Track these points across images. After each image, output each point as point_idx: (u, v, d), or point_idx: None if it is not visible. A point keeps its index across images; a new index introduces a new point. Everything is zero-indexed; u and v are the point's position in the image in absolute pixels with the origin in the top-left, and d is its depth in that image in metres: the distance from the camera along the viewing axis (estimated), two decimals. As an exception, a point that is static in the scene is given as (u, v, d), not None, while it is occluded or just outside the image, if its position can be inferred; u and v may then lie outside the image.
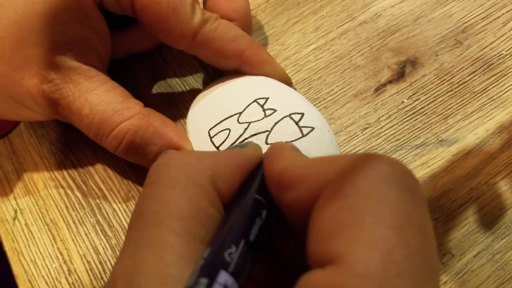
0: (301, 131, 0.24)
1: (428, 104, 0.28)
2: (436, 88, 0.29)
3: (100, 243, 0.26)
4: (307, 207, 0.14)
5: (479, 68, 0.29)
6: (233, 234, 0.14)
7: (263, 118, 0.24)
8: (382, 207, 0.12)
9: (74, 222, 0.27)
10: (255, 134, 0.24)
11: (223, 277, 0.13)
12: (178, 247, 0.14)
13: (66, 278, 0.25)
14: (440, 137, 0.27)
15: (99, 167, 0.28)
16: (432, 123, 0.28)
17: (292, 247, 0.17)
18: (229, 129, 0.24)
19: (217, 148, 0.24)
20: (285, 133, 0.24)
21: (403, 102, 0.28)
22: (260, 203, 0.16)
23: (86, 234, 0.26)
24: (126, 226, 0.26)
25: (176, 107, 0.30)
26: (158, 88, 0.31)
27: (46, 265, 0.26)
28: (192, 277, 0.13)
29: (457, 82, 0.29)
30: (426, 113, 0.28)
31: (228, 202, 0.16)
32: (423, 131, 0.27)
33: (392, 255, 0.11)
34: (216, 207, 0.15)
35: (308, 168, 0.15)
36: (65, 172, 0.28)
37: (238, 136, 0.24)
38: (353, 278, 0.11)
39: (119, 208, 0.27)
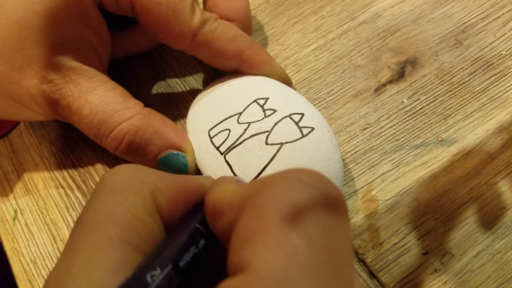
0: (301, 131, 0.24)
1: (428, 104, 0.28)
2: (436, 88, 0.29)
3: (100, 243, 0.26)
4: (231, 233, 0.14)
5: (479, 68, 0.29)
6: (161, 257, 0.14)
7: (263, 118, 0.24)
8: (292, 213, 0.12)
9: (74, 222, 0.27)
10: (255, 135, 0.24)
11: None
12: (109, 252, 0.14)
13: (66, 278, 0.25)
14: (440, 137, 0.27)
15: (99, 167, 0.28)
16: (432, 123, 0.28)
17: None
18: (229, 130, 0.24)
19: (217, 148, 0.24)
20: (285, 133, 0.24)
21: (403, 102, 0.28)
22: (200, 232, 0.16)
23: (86, 234, 0.26)
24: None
25: (176, 107, 0.30)
26: (158, 88, 0.31)
27: (46, 265, 0.26)
28: None
29: (457, 82, 0.29)
30: (426, 113, 0.28)
31: (172, 226, 0.16)
32: (423, 131, 0.27)
33: (295, 256, 0.12)
34: (154, 218, 0.16)
35: (237, 192, 0.15)
36: (65, 172, 0.28)
37: (238, 137, 0.24)
38: (256, 281, 0.11)
39: (119, 208, 0.27)
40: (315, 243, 0.12)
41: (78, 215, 0.27)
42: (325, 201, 0.13)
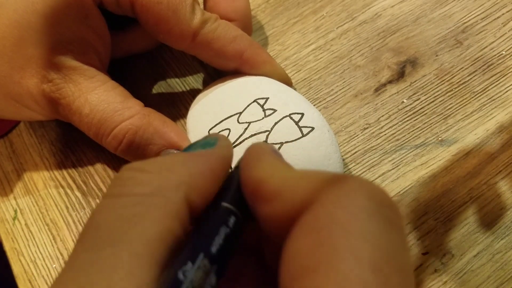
0: (301, 131, 0.24)
1: (428, 104, 0.28)
2: (436, 88, 0.29)
3: (100, 243, 0.26)
4: (281, 225, 0.13)
5: (479, 68, 0.29)
6: (190, 249, 0.13)
7: (263, 118, 0.24)
8: (361, 244, 0.11)
9: (74, 222, 0.27)
10: (255, 134, 0.24)
11: None
12: (137, 273, 0.12)
13: (66, 278, 0.25)
14: (440, 137, 0.27)
15: (99, 167, 0.28)
16: (432, 123, 0.28)
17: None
18: (229, 129, 0.24)
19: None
20: (285, 133, 0.24)
21: (403, 102, 0.28)
22: (228, 211, 0.14)
23: (86, 234, 0.26)
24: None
25: (176, 107, 0.30)
26: (158, 88, 0.31)
27: (46, 265, 0.26)
28: None
29: (457, 82, 0.29)
30: (426, 113, 0.28)
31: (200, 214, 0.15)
32: (423, 131, 0.27)
33: None
34: (185, 226, 0.13)
35: (287, 181, 0.13)
36: (65, 172, 0.28)
37: (238, 136, 0.24)
38: None
39: (119, 208, 0.27)
40: (389, 280, 0.11)
41: (78, 215, 0.27)
42: (393, 231, 0.12)
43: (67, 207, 0.27)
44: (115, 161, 0.28)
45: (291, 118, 0.24)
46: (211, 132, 0.25)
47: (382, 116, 0.28)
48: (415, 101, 0.28)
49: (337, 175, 0.13)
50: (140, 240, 0.12)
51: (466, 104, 0.28)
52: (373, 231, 0.11)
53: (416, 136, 0.27)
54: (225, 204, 0.14)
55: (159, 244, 0.12)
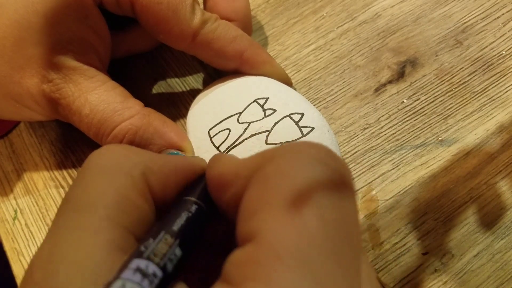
0: (301, 131, 0.24)
1: (428, 104, 0.28)
2: (436, 88, 0.29)
3: (100, 243, 0.26)
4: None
5: (479, 68, 0.29)
6: (152, 230, 0.14)
7: (263, 118, 0.24)
8: (301, 184, 0.12)
9: (74, 222, 0.27)
10: (255, 134, 0.24)
11: (135, 263, 0.13)
12: (99, 232, 0.13)
13: (66, 278, 0.25)
14: (440, 137, 0.27)
15: (99, 167, 0.28)
16: (432, 123, 0.28)
17: None
18: (229, 129, 0.24)
19: (217, 148, 0.24)
20: (285, 133, 0.24)
21: (403, 102, 0.28)
22: (190, 202, 0.16)
23: (86, 234, 0.26)
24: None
25: (176, 107, 0.30)
26: (158, 88, 0.31)
27: (46, 265, 0.26)
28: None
29: (457, 82, 0.29)
30: (426, 113, 0.28)
31: (164, 208, 0.16)
32: (423, 131, 0.27)
33: (306, 229, 0.12)
34: (145, 199, 0.15)
35: (243, 163, 0.15)
36: (65, 172, 0.28)
37: (238, 136, 0.24)
38: (268, 251, 0.11)
39: (119, 208, 0.27)
40: (326, 219, 0.12)
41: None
42: (335, 178, 0.13)
43: (67, 207, 0.27)
44: (115, 161, 0.28)
45: (291, 118, 0.24)
46: (211, 131, 0.25)
47: (382, 116, 0.28)
48: (415, 101, 0.28)
49: (289, 144, 0.14)
50: (102, 206, 0.14)
51: (466, 104, 0.28)
52: (312, 174, 0.13)
53: (416, 136, 0.27)
54: (188, 197, 0.16)
55: (119, 208, 0.14)
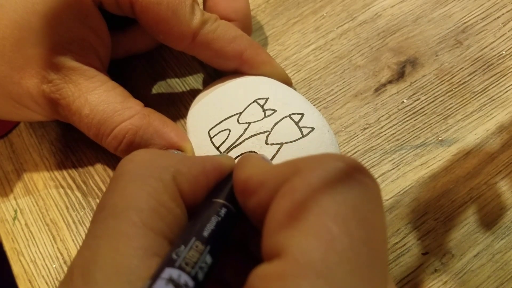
0: (301, 132, 0.24)
1: (428, 104, 0.28)
2: (436, 88, 0.29)
3: (100, 243, 0.26)
4: (267, 209, 0.14)
5: (479, 68, 0.29)
6: (183, 236, 0.14)
7: (263, 118, 0.24)
8: (329, 200, 0.13)
9: (74, 222, 0.27)
10: (255, 134, 0.24)
11: (167, 272, 0.13)
12: (134, 238, 0.14)
13: (66, 278, 0.25)
14: (440, 137, 0.27)
15: (99, 167, 0.28)
16: (432, 123, 0.28)
17: None
18: (229, 129, 0.24)
19: (217, 148, 0.24)
20: (285, 133, 0.24)
21: (403, 102, 0.28)
22: (219, 204, 0.16)
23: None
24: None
25: (176, 107, 0.30)
26: (158, 88, 0.31)
27: (46, 265, 0.26)
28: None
29: (457, 82, 0.29)
30: (426, 113, 0.28)
31: (195, 209, 0.16)
32: (423, 131, 0.27)
33: (333, 245, 0.12)
34: (177, 202, 0.16)
35: (270, 172, 0.15)
36: (65, 172, 0.28)
37: (238, 136, 0.24)
38: (295, 268, 0.11)
39: (119, 208, 0.27)
40: (353, 231, 0.12)
41: (78, 215, 0.27)
42: (365, 195, 0.13)
43: (67, 207, 0.27)
44: (115, 161, 0.28)
45: (291, 118, 0.24)
46: (211, 132, 0.25)
47: (382, 116, 0.28)
48: (415, 101, 0.28)
49: (317, 155, 0.14)
50: (135, 212, 0.14)
51: (466, 104, 0.28)
52: (342, 191, 0.13)
53: (416, 136, 0.27)
54: (216, 199, 0.16)
55: (152, 214, 0.15)
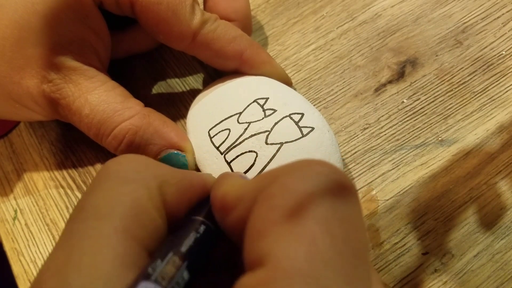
0: (301, 131, 0.24)
1: (428, 104, 0.28)
2: (436, 88, 0.29)
3: (100, 243, 0.26)
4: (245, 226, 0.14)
5: (479, 68, 0.29)
6: (160, 251, 0.14)
7: (263, 118, 0.24)
8: (307, 202, 0.12)
9: (74, 222, 0.27)
10: (255, 134, 0.24)
11: (143, 285, 0.13)
12: (115, 244, 0.13)
13: (66, 278, 0.25)
14: (440, 137, 0.27)
15: (99, 167, 0.28)
16: (432, 123, 0.28)
17: None
18: (229, 129, 0.24)
19: (217, 148, 0.24)
20: (285, 133, 0.24)
21: (403, 102, 0.28)
22: (198, 221, 0.16)
23: (86, 234, 0.26)
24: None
25: (176, 107, 0.30)
26: (158, 88, 0.31)
27: (46, 265, 0.26)
28: None
29: (457, 82, 0.29)
30: (426, 113, 0.28)
31: (175, 223, 0.16)
32: (423, 131, 0.27)
33: (316, 245, 0.12)
34: (160, 213, 0.15)
35: (246, 186, 0.15)
36: (65, 172, 0.28)
37: (238, 136, 0.24)
38: (280, 274, 0.11)
39: (119, 208, 0.27)
40: (333, 230, 0.12)
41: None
42: (338, 189, 0.13)
43: (67, 207, 0.27)
44: (115, 161, 0.28)
45: (291, 118, 0.24)
46: (211, 132, 0.25)
47: (382, 116, 0.28)
48: (415, 101, 0.28)
49: (294, 162, 0.14)
50: (118, 216, 0.14)
51: (466, 104, 0.28)
52: (319, 192, 0.13)
53: (416, 136, 0.27)
54: (196, 217, 0.16)
55: (135, 221, 0.14)
